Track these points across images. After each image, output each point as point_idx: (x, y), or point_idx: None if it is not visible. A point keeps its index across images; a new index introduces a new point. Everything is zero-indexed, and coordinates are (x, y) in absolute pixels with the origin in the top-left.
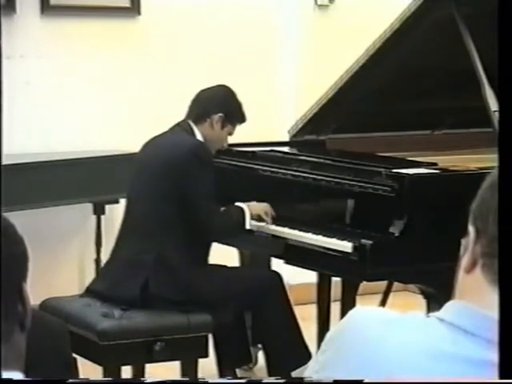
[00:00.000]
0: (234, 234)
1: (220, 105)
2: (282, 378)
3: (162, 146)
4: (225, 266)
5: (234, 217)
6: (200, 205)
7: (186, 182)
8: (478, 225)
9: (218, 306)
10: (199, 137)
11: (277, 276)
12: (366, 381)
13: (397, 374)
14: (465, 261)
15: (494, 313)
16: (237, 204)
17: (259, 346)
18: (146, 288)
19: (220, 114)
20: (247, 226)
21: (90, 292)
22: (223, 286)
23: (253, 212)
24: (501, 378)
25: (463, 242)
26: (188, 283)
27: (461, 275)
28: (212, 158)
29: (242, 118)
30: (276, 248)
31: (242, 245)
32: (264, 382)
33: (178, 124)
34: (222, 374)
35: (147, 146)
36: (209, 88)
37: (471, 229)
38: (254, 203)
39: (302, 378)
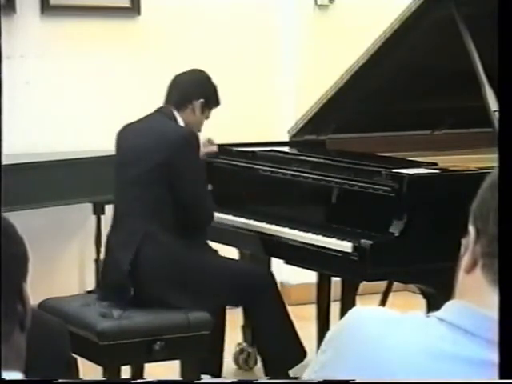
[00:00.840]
0: None
1: (200, 90)
2: (278, 378)
3: (147, 134)
4: (221, 257)
5: None
6: (193, 192)
7: (179, 169)
8: (478, 225)
9: (206, 290)
10: (181, 123)
11: (269, 276)
12: (358, 381)
13: (397, 374)
14: (465, 261)
15: (494, 313)
16: None
17: None
18: (135, 263)
19: (201, 100)
20: None
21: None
22: (213, 270)
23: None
24: (501, 378)
25: (463, 241)
26: (177, 260)
27: (461, 275)
28: (199, 144)
29: (217, 102)
30: (276, 248)
31: (242, 245)
32: (255, 382)
33: (159, 110)
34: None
35: (127, 134)
36: (185, 73)
37: (471, 229)
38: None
39: (295, 378)
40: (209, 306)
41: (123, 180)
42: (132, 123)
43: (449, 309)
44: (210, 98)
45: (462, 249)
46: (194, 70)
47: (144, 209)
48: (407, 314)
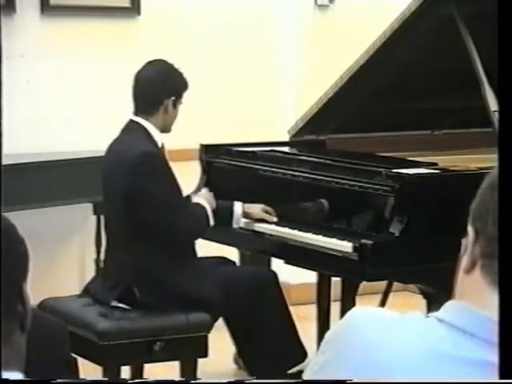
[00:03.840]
0: (200, 232)
1: (168, 88)
2: (277, 378)
3: (116, 156)
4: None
5: (198, 214)
6: (160, 211)
7: (141, 194)
8: (477, 225)
9: (211, 305)
10: (153, 130)
11: (272, 274)
12: (355, 381)
13: (396, 375)
14: (464, 261)
15: (493, 313)
16: (197, 202)
17: None
18: (132, 296)
19: (172, 98)
20: (211, 223)
21: (86, 292)
22: (215, 284)
23: (253, 215)
24: (501, 378)
25: (463, 241)
26: (176, 287)
27: (460, 276)
28: (161, 160)
29: (186, 86)
30: (276, 248)
31: (242, 245)
32: (246, 382)
33: (128, 126)
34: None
35: (108, 152)
36: (145, 70)
37: (470, 229)
38: (250, 205)
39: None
40: (212, 314)
41: (104, 203)
42: (113, 142)
43: (448, 309)
44: (179, 90)
45: (462, 249)
46: (154, 64)
47: (128, 235)
48: (406, 314)
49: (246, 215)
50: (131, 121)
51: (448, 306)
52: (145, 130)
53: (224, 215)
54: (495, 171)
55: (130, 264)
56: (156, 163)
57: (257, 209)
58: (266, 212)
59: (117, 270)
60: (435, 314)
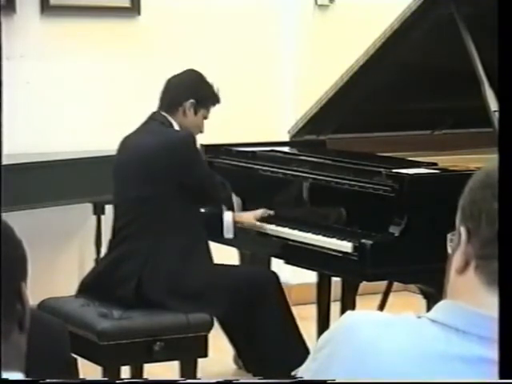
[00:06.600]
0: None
1: (189, 91)
2: (280, 379)
3: (147, 144)
4: (221, 264)
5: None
6: (212, 185)
7: (189, 172)
8: (470, 225)
9: (211, 301)
10: (176, 127)
11: (273, 275)
12: (338, 381)
13: (391, 376)
14: (456, 261)
15: (488, 313)
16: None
17: None
18: (138, 290)
19: (191, 101)
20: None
21: (83, 291)
22: (216, 281)
23: (246, 225)
24: (501, 377)
25: (449, 237)
26: (181, 271)
27: (452, 276)
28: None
29: (215, 100)
30: (276, 248)
31: (242, 245)
32: (234, 382)
33: (153, 117)
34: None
35: (126, 147)
36: (177, 75)
37: (462, 229)
38: (241, 214)
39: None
40: (213, 312)
41: (127, 197)
42: (129, 136)
43: (440, 309)
44: (202, 97)
45: (449, 247)
46: (186, 71)
47: (149, 225)
48: (398, 315)
49: (238, 223)
50: (156, 113)
51: (439, 306)
52: (170, 123)
53: (214, 225)
54: (485, 169)
55: (146, 251)
56: (194, 142)
57: (249, 218)
58: (259, 218)
59: (131, 260)
60: (427, 314)
